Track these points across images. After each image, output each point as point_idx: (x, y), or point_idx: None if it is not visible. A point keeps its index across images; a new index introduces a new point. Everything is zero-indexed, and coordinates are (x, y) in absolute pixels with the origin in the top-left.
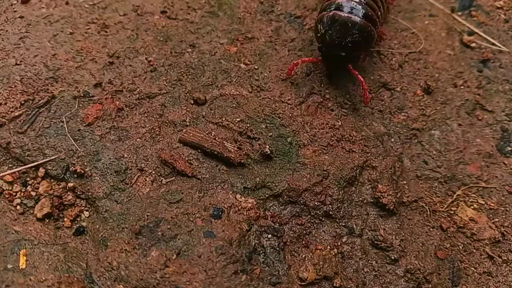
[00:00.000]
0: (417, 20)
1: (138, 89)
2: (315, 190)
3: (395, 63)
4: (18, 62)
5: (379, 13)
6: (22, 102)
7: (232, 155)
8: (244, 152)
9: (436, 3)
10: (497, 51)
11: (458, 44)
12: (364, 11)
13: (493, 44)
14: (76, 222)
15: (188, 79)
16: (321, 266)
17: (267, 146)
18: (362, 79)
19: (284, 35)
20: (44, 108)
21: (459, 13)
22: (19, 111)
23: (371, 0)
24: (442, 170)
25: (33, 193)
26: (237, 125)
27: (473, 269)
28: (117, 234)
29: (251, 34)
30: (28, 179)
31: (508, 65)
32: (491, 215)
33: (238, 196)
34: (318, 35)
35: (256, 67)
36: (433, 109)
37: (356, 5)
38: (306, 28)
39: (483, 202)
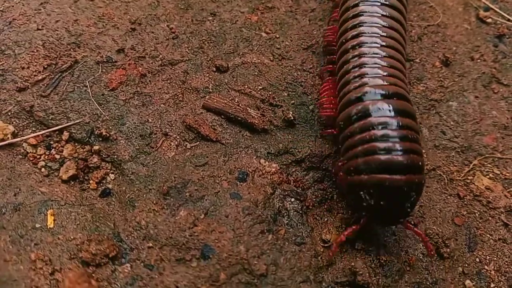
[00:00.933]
0: None
1: (161, 56)
2: (337, 156)
3: (414, 35)
4: (40, 27)
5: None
6: (45, 67)
7: (256, 121)
8: (267, 119)
9: None
10: None
11: (474, 19)
12: (411, 146)
13: (508, 20)
14: (101, 184)
15: (209, 47)
16: (344, 228)
17: (291, 113)
18: (420, 232)
19: (304, 5)
20: (67, 73)
21: None
22: (42, 75)
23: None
24: (459, 140)
25: (57, 156)
26: (259, 92)
27: (488, 236)
28: (144, 195)
29: (271, 4)
30: (52, 142)
31: None
32: (506, 185)
33: (262, 160)
34: (364, 204)
35: (277, 36)
36: (451, 81)
37: (398, 135)
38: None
39: (498, 172)
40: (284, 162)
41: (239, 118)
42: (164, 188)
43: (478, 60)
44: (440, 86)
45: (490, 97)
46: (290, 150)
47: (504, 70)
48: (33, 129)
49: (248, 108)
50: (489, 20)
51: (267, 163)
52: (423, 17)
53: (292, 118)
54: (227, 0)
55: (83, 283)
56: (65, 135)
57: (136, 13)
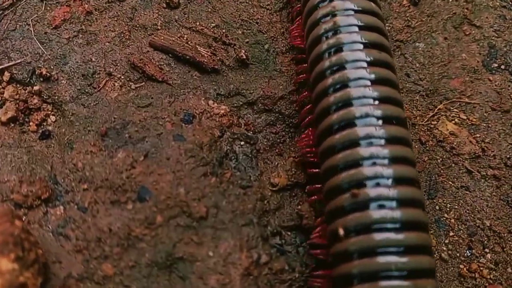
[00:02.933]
0: None
1: None
2: (291, 98)
3: None
4: None
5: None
6: None
7: (205, 60)
8: (218, 58)
9: None
10: None
11: None
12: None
13: None
14: (42, 126)
15: None
16: (294, 172)
17: (243, 51)
18: None
19: None
20: (9, 11)
21: None
22: None
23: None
24: (424, 83)
25: None
26: (212, 30)
27: (450, 183)
28: (83, 137)
29: None
30: None
31: None
32: (472, 131)
33: (210, 102)
34: None
35: None
36: (418, 21)
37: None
38: None
39: (465, 117)
40: (235, 104)
41: (187, 57)
42: (102, 129)
43: (450, 0)
44: (407, 26)
45: (461, 39)
46: (242, 91)
47: (477, 11)
48: None
49: (198, 47)
50: None
51: (216, 104)
52: None
53: (245, 57)
54: None
55: (4, 223)
56: (6, 75)
57: None
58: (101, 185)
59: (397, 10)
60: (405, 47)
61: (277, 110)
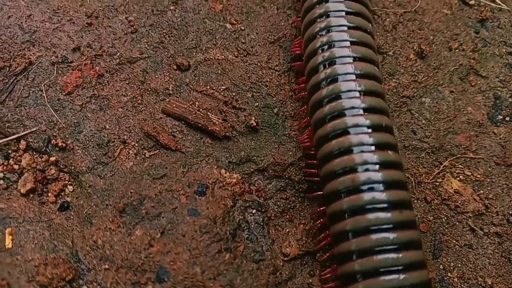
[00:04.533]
0: None
1: (119, 53)
2: (300, 164)
3: (389, 24)
4: None
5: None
6: None
7: (217, 128)
8: (229, 124)
9: None
10: (497, 9)
11: (456, 1)
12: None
13: (493, 0)
14: (60, 197)
15: (170, 42)
16: (305, 241)
17: (253, 118)
18: None
19: None
20: (21, 76)
21: None
22: None
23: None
24: (430, 140)
25: (16, 167)
26: (222, 93)
27: (454, 241)
28: (101, 211)
29: None
30: (10, 151)
31: (507, 25)
32: (476, 187)
33: (222, 171)
34: None
35: (242, 27)
36: (425, 75)
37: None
38: None
39: (469, 174)
40: (246, 171)
41: (199, 125)
42: (120, 205)
43: (457, 50)
44: (414, 81)
45: (467, 91)
46: (253, 158)
47: (483, 60)
48: None
49: (209, 113)
50: (472, 2)
51: (228, 173)
52: (399, 2)
53: (255, 124)
54: None
55: None
56: (23, 144)
57: (93, 4)
58: (122, 265)
59: (404, 65)
60: (412, 103)
61: (287, 176)
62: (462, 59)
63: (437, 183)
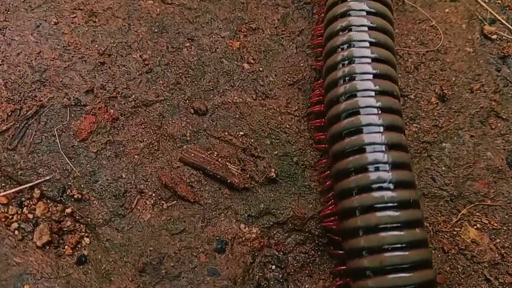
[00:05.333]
0: (437, 7)
1: (134, 96)
2: (320, 218)
3: (411, 64)
4: (0, 62)
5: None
6: (9, 113)
7: (236, 180)
8: (248, 175)
9: None
10: None
11: (478, 35)
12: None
13: None
14: (77, 249)
15: (187, 83)
16: None
17: (273, 170)
18: None
19: (291, 24)
20: (33, 119)
21: None
22: (6, 124)
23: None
24: (449, 188)
25: (30, 216)
26: (240, 139)
27: None
28: (120, 269)
29: (255, 24)
30: (23, 199)
31: None
32: (493, 236)
33: (242, 225)
34: None
35: (260, 68)
36: (446, 119)
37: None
38: (316, 18)
39: (486, 222)
40: (265, 225)
41: (218, 176)
42: (139, 264)
43: (478, 91)
44: (434, 126)
45: (487, 134)
46: (272, 210)
47: (504, 101)
48: (2, 184)
49: (228, 164)
50: (494, 36)
51: (247, 228)
52: (422, 40)
53: (274, 176)
54: (206, 21)
55: None
56: (36, 192)
57: (105, 40)
58: None
59: (425, 109)
60: (432, 149)
61: (306, 230)
62: (483, 101)
63: (454, 232)
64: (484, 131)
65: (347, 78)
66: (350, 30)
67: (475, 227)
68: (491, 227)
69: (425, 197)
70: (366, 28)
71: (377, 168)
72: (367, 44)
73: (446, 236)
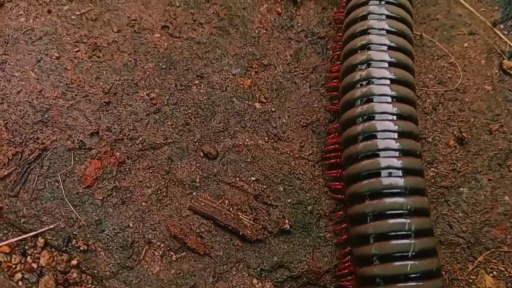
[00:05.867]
0: (455, 42)
1: (141, 138)
2: (336, 272)
3: (429, 105)
4: (0, 101)
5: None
6: (10, 157)
7: (248, 232)
8: (260, 226)
9: (476, 12)
10: None
11: (497, 71)
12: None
13: None
14: None
15: (196, 123)
16: None
17: (287, 221)
18: None
19: (304, 60)
20: (36, 163)
21: (501, 26)
22: (8, 169)
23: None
24: (466, 235)
25: (35, 265)
26: (252, 185)
27: None
28: None
29: (267, 60)
30: (27, 247)
31: None
32: (509, 284)
33: (254, 281)
34: None
35: (273, 108)
36: (464, 163)
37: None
38: (329, 54)
39: (503, 269)
40: (279, 279)
41: (230, 227)
42: None
43: (497, 132)
44: (452, 170)
45: (505, 177)
46: (286, 264)
47: None
48: (5, 231)
49: (239, 213)
50: None
51: (260, 284)
52: (441, 79)
53: (288, 227)
54: (216, 57)
55: None
56: (40, 241)
57: (110, 77)
58: None
59: (443, 152)
60: (449, 194)
61: (321, 284)
62: (502, 142)
63: (470, 280)
64: (502, 174)
65: (365, 117)
66: (369, 65)
67: (491, 274)
68: (507, 275)
69: (442, 244)
70: (386, 64)
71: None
72: (387, 81)
73: (462, 284)
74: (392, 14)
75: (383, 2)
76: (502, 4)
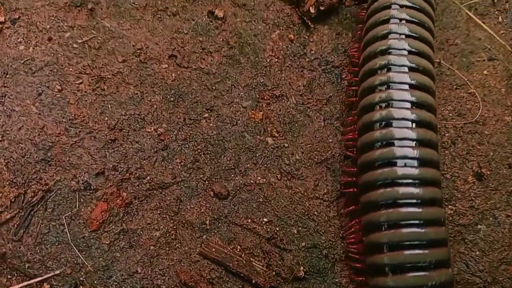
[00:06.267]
0: (475, 69)
1: (148, 177)
2: None
3: (448, 139)
4: (0, 138)
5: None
6: (13, 199)
7: (261, 279)
8: (273, 272)
9: (495, 35)
10: None
11: None
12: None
13: None
14: None
15: (206, 161)
16: None
17: (301, 268)
18: None
19: (318, 91)
20: (39, 205)
21: None
22: (10, 212)
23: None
24: (483, 274)
25: None
26: (264, 227)
27: None
28: None
29: (279, 91)
30: None
31: None
32: None
33: None
34: None
35: (285, 144)
36: (482, 200)
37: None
38: (344, 84)
39: None
40: None
41: (242, 275)
42: None
43: None
44: (470, 207)
45: None
46: None
47: None
48: (8, 276)
49: (251, 259)
50: None
51: None
52: (460, 111)
53: (303, 274)
54: (226, 88)
55: None
56: (46, 287)
57: (116, 112)
58: None
59: (461, 189)
60: (467, 231)
61: None
62: None
63: None
64: None
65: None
66: (389, 105)
67: None
68: None
69: (458, 284)
70: (409, 105)
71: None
72: (409, 123)
73: None
74: (412, 49)
75: (403, 36)
76: None
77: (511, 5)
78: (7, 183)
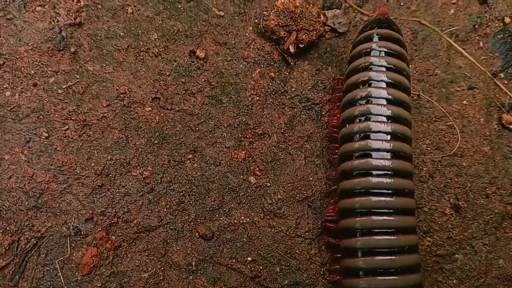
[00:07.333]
0: (454, 99)
1: (135, 220)
2: None
3: (426, 173)
4: None
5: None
6: (7, 247)
7: None
8: None
9: (476, 62)
10: None
11: (496, 126)
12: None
13: None
14: None
15: (191, 202)
16: None
17: None
18: None
19: (299, 127)
20: (33, 251)
21: (501, 75)
22: (5, 260)
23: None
24: None
25: None
26: (248, 266)
27: None
28: None
29: (261, 129)
30: None
31: None
32: None
33: None
34: None
35: (268, 183)
36: (460, 230)
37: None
38: (324, 121)
39: None
40: None
41: None
42: None
43: (493, 195)
44: (448, 238)
45: (500, 240)
46: None
47: None
48: None
49: None
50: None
51: None
52: (438, 144)
53: None
54: (210, 129)
55: None
56: None
57: (102, 157)
58: None
59: (439, 221)
60: (444, 261)
61: None
62: (498, 205)
63: None
64: (497, 237)
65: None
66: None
67: None
68: None
69: None
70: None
71: None
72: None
73: None
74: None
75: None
76: (503, 51)
77: (492, 29)
78: (1, 231)
